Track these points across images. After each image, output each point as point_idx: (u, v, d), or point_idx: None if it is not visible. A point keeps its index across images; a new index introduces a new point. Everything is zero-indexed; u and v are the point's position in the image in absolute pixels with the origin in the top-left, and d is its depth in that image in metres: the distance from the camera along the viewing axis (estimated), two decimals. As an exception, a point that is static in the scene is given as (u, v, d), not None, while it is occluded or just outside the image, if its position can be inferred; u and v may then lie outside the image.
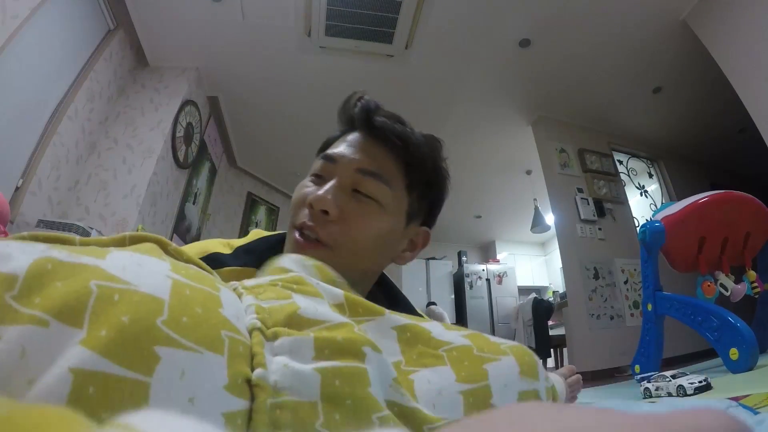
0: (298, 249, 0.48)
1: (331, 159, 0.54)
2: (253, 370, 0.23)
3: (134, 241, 0.31)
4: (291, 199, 0.55)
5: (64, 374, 0.17)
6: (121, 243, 0.30)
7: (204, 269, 0.30)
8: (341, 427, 0.23)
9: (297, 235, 0.49)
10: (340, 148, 0.56)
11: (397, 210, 0.55)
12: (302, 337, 0.26)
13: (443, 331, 0.37)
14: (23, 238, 0.26)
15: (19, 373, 0.17)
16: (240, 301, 0.28)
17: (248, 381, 0.22)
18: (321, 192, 0.50)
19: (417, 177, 0.57)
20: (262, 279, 0.34)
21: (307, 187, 0.53)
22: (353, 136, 0.57)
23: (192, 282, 0.25)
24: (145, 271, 0.24)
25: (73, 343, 0.18)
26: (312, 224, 0.49)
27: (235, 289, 0.30)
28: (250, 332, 0.25)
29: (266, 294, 0.30)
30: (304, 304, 0.30)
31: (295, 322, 0.27)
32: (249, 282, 0.33)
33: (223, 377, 0.21)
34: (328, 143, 0.60)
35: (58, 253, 0.22)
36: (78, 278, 0.21)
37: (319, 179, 0.54)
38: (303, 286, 0.33)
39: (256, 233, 0.60)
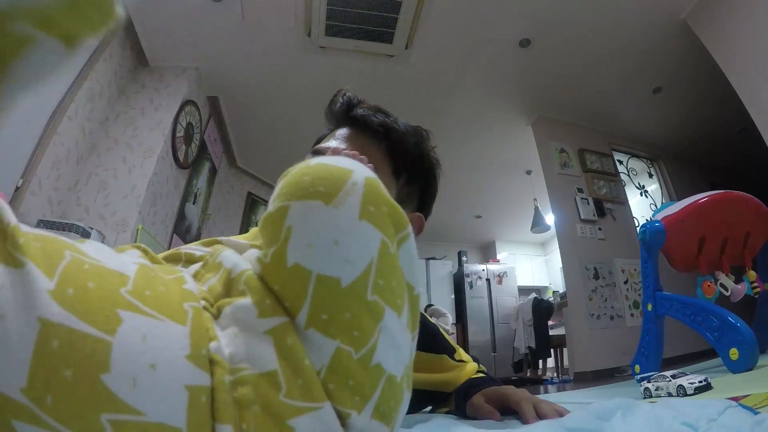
0: None
1: (318, 152, 0.57)
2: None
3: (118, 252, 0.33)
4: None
5: (33, 321, 0.18)
6: None
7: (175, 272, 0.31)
8: (305, 392, 0.23)
9: None
10: (327, 142, 0.60)
11: None
12: (240, 302, 0.26)
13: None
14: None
15: None
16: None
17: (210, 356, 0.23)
18: None
19: (401, 162, 0.60)
20: (196, 247, 0.38)
21: None
22: (339, 131, 0.62)
23: (158, 269, 0.26)
24: (114, 256, 0.25)
25: (42, 289, 0.19)
26: None
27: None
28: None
29: (205, 277, 0.31)
30: (229, 262, 0.30)
31: (233, 287, 0.27)
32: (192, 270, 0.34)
33: (185, 346, 0.21)
34: (318, 141, 0.64)
35: (43, 233, 0.23)
36: (56, 245, 0.22)
37: None
38: (219, 245, 0.35)
39: (256, 231, 0.61)
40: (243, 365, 0.22)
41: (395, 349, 0.27)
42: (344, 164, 0.29)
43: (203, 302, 0.26)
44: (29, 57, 0.17)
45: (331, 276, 0.25)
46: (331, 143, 0.60)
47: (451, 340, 0.79)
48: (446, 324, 4.82)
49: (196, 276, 0.32)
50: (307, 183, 0.27)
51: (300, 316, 0.25)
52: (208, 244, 0.39)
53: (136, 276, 0.24)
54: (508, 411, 0.59)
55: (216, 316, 0.25)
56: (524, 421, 0.53)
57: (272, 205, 0.28)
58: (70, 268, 0.21)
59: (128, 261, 0.25)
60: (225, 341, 0.23)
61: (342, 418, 0.24)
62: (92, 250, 0.24)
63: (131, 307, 0.21)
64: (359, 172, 0.28)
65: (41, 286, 0.19)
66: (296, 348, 0.24)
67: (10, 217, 0.21)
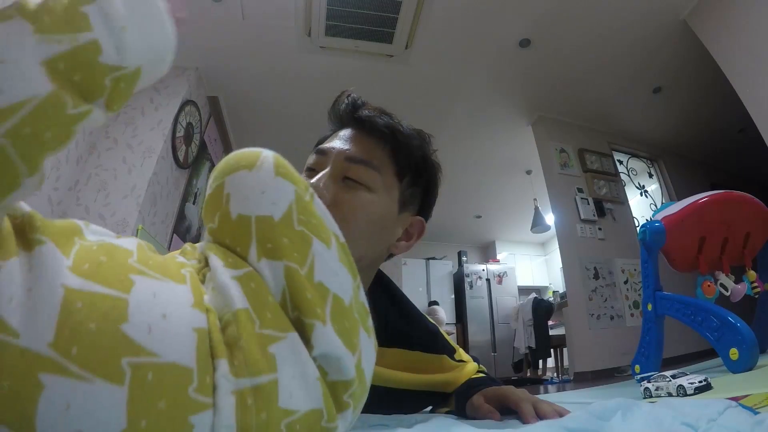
0: None
1: (322, 152, 0.58)
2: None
3: None
4: None
5: (58, 287, 0.21)
6: None
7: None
8: (275, 323, 0.27)
9: None
10: (332, 143, 0.60)
11: (387, 195, 0.58)
12: (212, 262, 0.31)
13: None
14: None
15: (20, 282, 0.21)
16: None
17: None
18: (313, 181, 0.54)
19: (405, 163, 0.60)
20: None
21: None
22: (344, 131, 0.61)
23: (153, 250, 0.31)
24: (116, 239, 0.29)
25: (62, 264, 0.23)
26: None
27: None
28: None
29: (189, 255, 0.36)
30: (200, 246, 0.35)
31: (205, 258, 0.33)
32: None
33: (189, 299, 0.26)
34: (321, 141, 0.64)
35: (55, 220, 0.28)
36: (67, 231, 0.26)
37: (312, 172, 0.57)
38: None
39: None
40: (224, 310, 0.27)
41: (333, 274, 0.32)
42: (253, 149, 0.36)
43: (192, 270, 0.31)
44: None
45: (266, 215, 0.32)
46: (335, 143, 0.59)
47: (451, 340, 0.79)
48: (435, 314, 4.83)
49: (182, 254, 0.37)
50: (232, 163, 0.35)
51: (251, 254, 0.30)
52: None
53: (138, 250, 0.28)
54: (508, 411, 0.58)
55: (202, 282, 0.30)
56: (524, 421, 0.53)
57: (210, 188, 0.35)
58: (82, 250, 0.25)
59: (128, 240, 0.30)
60: (208, 294, 0.28)
61: (307, 333, 0.29)
62: (97, 236, 0.28)
63: (140, 272, 0.25)
64: (267, 152, 0.35)
65: (61, 262, 0.23)
66: (260, 289, 0.29)
67: (25, 207, 0.26)
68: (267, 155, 0.35)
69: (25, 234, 0.23)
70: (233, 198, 0.32)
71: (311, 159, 0.60)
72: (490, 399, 0.61)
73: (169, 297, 0.25)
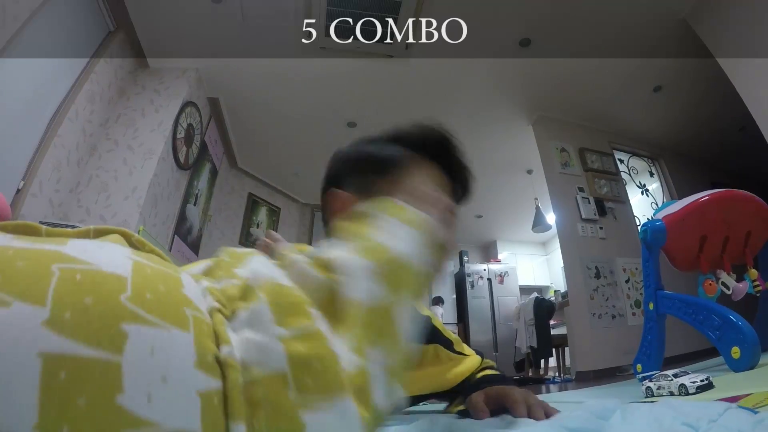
0: None
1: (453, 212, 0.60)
2: (219, 348, 0.23)
3: (99, 233, 0.31)
4: (450, 243, 0.52)
5: (33, 358, 0.17)
6: (86, 235, 0.31)
7: (165, 260, 0.30)
8: (313, 390, 0.24)
9: None
10: (434, 190, 0.55)
11: None
12: (257, 306, 0.26)
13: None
14: None
15: None
16: (197, 285, 0.28)
17: (217, 359, 0.23)
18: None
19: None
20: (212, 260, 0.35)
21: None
22: (436, 169, 0.58)
23: (152, 263, 0.25)
24: (105, 253, 0.24)
25: (36, 323, 0.18)
26: None
27: (193, 275, 0.30)
28: (211, 314, 0.25)
29: (218, 273, 0.31)
30: (251, 274, 0.30)
31: (249, 293, 0.28)
32: (197, 270, 0.33)
33: (192, 354, 0.21)
34: (397, 159, 0.56)
35: (20, 242, 0.22)
36: (39, 261, 0.21)
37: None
38: (242, 258, 0.33)
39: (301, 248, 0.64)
40: (254, 367, 0.23)
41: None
42: None
43: (215, 303, 0.26)
44: None
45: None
46: (443, 200, 0.53)
47: (449, 331, 0.78)
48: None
49: (209, 272, 0.32)
50: None
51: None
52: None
53: (134, 275, 0.23)
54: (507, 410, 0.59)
55: (229, 318, 0.26)
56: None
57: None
58: (61, 286, 0.20)
59: (120, 255, 0.24)
60: (238, 344, 0.24)
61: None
62: (79, 251, 0.23)
63: (134, 318, 0.21)
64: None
65: (34, 320, 0.18)
66: (307, 353, 0.25)
67: None
68: None
69: None
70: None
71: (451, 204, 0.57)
72: (491, 398, 0.62)
73: (168, 353, 0.21)
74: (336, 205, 0.53)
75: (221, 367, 0.22)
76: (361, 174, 0.55)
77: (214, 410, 0.21)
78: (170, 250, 3.05)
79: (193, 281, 0.28)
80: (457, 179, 0.60)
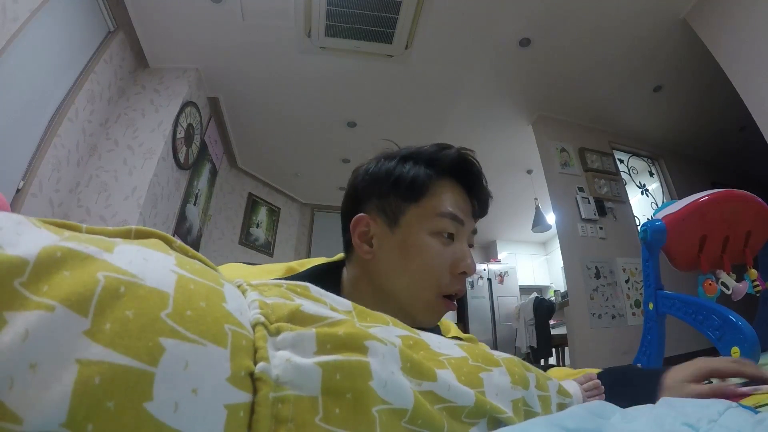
0: (446, 312, 0.61)
1: (461, 222, 0.62)
2: (256, 363, 0.23)
3: (140, 235, 0.31)
4: (427, 261, 0.58)
5: (70, 363, 0.18)
6: (127, 235, 0.30)
7: (208, 265, 0.30)
8: (340, 421, 0.24)
9: (454, 301, 0.62)
10: (458, 206, 0.62)
11: None
12: (304, 332, 0.27)
13: (440, 343, 0.39)
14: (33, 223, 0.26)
15: (21, 357, 0.17)
16: (243, 297, 0.28)
17: (251, 374, 0.23)
18: (471, 261, 0.60)
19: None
20: (268, 280, 0.35)
21: (444, 251, 0.59)
22: (457, 189, 0.65)
23: (196, 277, 0.25)
24: (151, 266, 0.24)
25: (77, 332, 0.18)
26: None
27: (239, 286, 0.30)
28: (254, 327, 0.25)
29: (270, 292, 0.31)
30: (307, 304, 0.30)
31: (298, 318, 0.28)
32: (255, 281, 0.33)
33: (226, 369, 0.22)
34: (421, 182, 0.62)
35: (68, 242, 0.22)
36: (86, 269, 0.21)
37: (449, 238, 0.60)
38: (307, 292, 0.33)
39: (311, 261, 0.66)
40: (288, 387, 0.23)
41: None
42: None
43: (261, 316, 0.26)
44: None
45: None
46: (461, 208, 0.63)
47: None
48: None
49: (259, 287, 0.32)
50: None
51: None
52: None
53: (176, 292, 0.23)
54: None
55: (273, 334, 0.26)
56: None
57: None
58: (104, 296, 0.20)
59: (164, 269, 0.24)
60: (275, 362, 0.24)
61: None
62: (125, 262, 0.23)
63: (173, 334, 0.21)
64: None
65: (75, 329, 0.18)
66: (342, 384, 0.25)
67: (30, 249, 0.20)
68: None
69: (28, 298, 0.19)
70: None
71: (448, 224, 0.60)
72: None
73: (203, 368, 0.21)
74: (360, 228, 0.60)
75: (254, 382, 0.23)
76: (385, 197, 0.60)
77: (238, 422, 0.21)
78: (170, 250, 3.05)
79: (238, 293, 0.28)
80: (476, 198, 0.65)
